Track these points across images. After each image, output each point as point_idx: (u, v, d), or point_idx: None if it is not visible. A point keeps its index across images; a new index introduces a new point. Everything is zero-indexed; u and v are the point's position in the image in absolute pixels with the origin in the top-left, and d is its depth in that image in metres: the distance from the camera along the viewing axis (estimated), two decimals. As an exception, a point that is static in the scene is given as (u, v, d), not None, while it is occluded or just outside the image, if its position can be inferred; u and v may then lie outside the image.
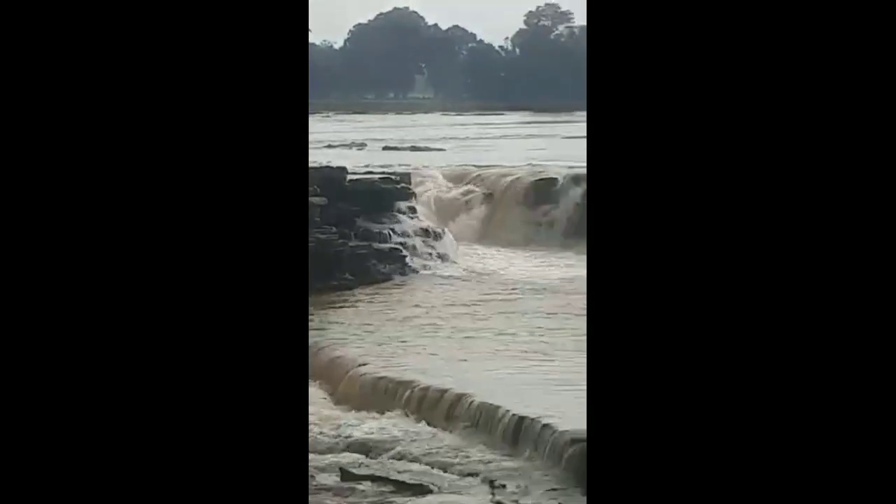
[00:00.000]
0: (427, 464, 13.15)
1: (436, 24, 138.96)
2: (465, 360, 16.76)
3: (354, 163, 32.06)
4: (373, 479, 12.66)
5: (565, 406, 13.81)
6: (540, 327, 19.04)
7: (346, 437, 14.05)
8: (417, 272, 24.77)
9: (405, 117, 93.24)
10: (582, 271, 25.02)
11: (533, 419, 13.42)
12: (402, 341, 18.08)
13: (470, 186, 32.12)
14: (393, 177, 27.28)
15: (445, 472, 12.90)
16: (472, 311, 20.57)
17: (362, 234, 24.83)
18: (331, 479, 12.53)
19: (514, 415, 13.67)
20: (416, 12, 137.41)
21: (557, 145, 53.63)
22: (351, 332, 18.76)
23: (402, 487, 12.45)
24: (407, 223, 26.10)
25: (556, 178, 30.87)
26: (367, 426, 14.43)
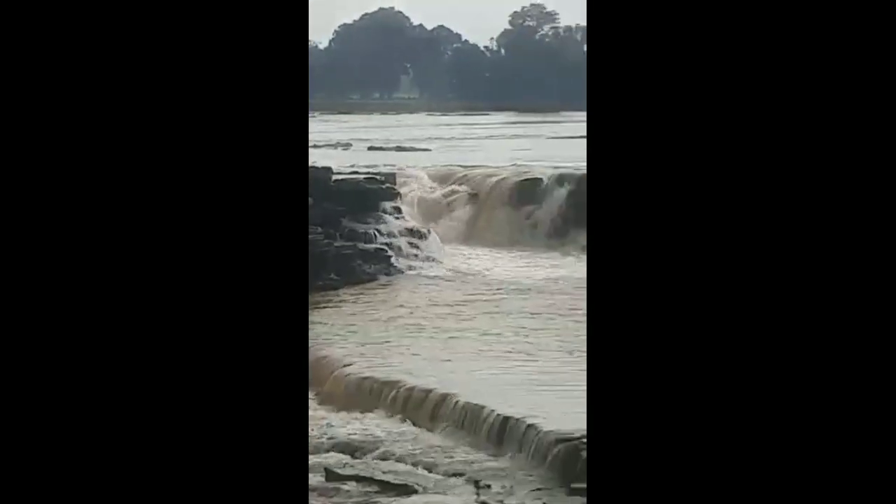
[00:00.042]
0: (412, 464, 13.16)
1: (421, 25, 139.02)
2: (449, 361, 16.78)
3: (340, 163, 32.03)
4: (357, 479, 12.66)
5: (549, 406, 13.85)
6: (524, 327, 19.07)
7: (331, 438, 14.06)
8: (403, 272, 24.77)
9: (390, 117, 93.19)
10: (566, 271, 25.14)
11: (518, 419, 13.44)
12: (387, 341, 18.09)
13: (455, 187, 32.10)
14: (378, 177, 27.28)
15: (430, 472, 12.91)
16: (456, 312, 20.58)
17: (347, 234, 24.84)
18: (316, 480, 12.53)
19: (498, 415, 13.68)
20: (401, 12, 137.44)
21: (542, 145, 53.73)
22: (335, 333, 18.77)
23: (387, 487, 12.46)
24: (392, 223, 26.11)
25: (540, 179, 30.85)
26: (352, 426, 14.44)
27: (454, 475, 12.76)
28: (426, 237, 26.40)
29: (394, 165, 34.07)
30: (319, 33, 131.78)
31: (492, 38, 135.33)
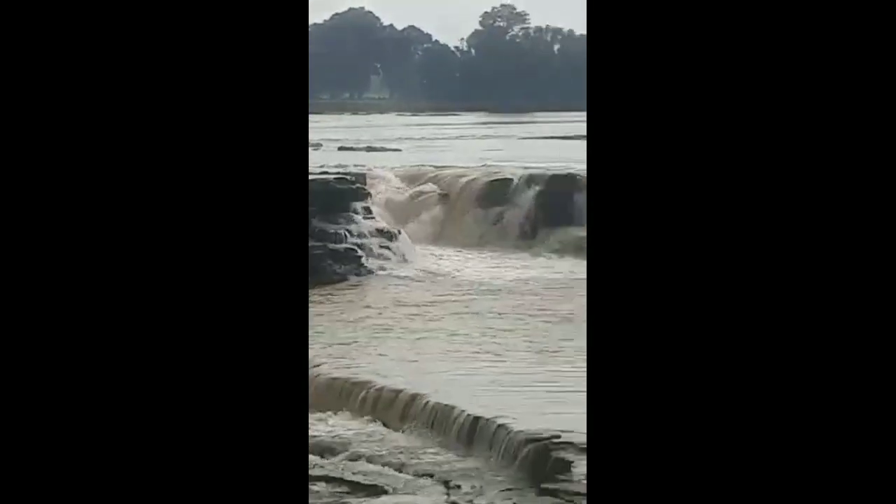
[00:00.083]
0: (382, 464, 13.16)
1: (391, 25, 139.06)
2: (416, 361, 16.78)
3: (310, 163, 31.94)
4: (327, 479, 12.65)
5: (519, 406, 13.89)
6: (491, 328, 19.10)
7: (301, 438, 14.04)
8: (373, 273, 24.77)
9: (361, 117, 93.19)
10: (536, 272, 25.23)
11: (488, 419, 13.47)
12: (356, 342, 18.08)
13: (424, 187, 32.11)
14: (348, 177, 27.26)
15: (400, 472, 12.92)
16: (423, 312, 20.59)
17: (317, 234, 24.78)
18: (285, 480, 12.51)
19: (468, 415, 13.71)
20: (371, 12, 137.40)
21: (513, 146, 53.83)
22: (305, 333, 18.73)
23: (357, 488, 12.46)
24: (363, 224, 26.10)
25: (511, 179, 30.91)
26: (322, 427, 14.43)
27: (424, 475, 12.77)
28: (396, 238, 26.40)
29: (364, 166, 34.07)
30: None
31: (462, 39, 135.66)
